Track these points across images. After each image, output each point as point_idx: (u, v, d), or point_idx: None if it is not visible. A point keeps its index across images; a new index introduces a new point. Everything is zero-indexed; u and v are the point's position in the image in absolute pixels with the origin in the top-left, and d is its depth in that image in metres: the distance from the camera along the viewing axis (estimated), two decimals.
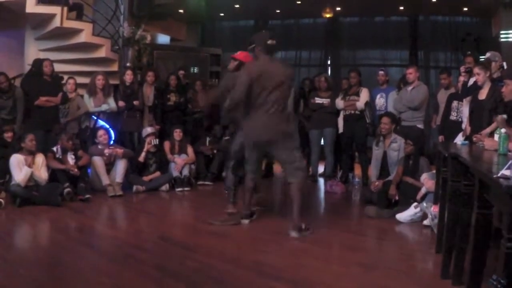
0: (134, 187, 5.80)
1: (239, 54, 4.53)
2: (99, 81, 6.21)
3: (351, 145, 6.71)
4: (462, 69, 5.20)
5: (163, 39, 10.26)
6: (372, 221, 4.56)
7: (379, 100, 6.54)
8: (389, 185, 4.78)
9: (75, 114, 6.06)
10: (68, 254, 3.40)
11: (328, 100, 6.61)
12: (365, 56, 10.74)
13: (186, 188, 5.99)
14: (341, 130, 6.70)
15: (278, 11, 10.46)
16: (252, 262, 3.27)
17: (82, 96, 6.24)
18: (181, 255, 3.45)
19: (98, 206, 5.10)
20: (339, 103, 6.58)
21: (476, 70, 4.51)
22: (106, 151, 5.67)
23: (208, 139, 6.81)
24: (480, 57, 7.19)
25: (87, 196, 5.12)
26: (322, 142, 6.86)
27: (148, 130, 6.21)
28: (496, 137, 3.25)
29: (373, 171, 5.41)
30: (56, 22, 6.35)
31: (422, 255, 3.59)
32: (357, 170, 6.81)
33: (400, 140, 5.11)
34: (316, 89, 6.84)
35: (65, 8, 6.39)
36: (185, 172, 6.09)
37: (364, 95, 6.46)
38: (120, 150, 5.76)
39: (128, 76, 6.52)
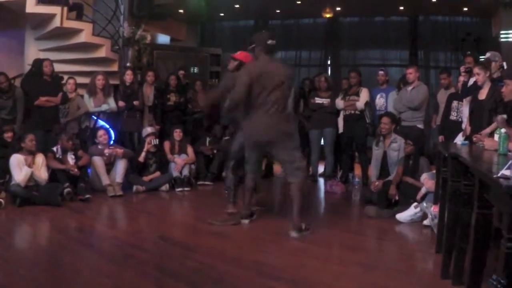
0: (134, 187, 5.80)
1: (239, 54, 4.53)
2: (99, 81, 6.21)
3: (351, 145, 6.71)
4: (462, 69, 5.21)
5: (163, 39, 10.26)
6: (372, 221, 4.56)
7: (379, 100, 6.54)
8: (389, 185, 4.78)
9: (75, 114, 6.06)
10: (68, 254, 3.40)
11: (328, 100, 6.61)
12: (365, 56, 10.73)
13: (186, 188, 5.98)
14: (341, 130, 6.70)
15: (278, 11, 10.46)
16: (252, 262, 3.27)
17: (82, 96, 6.24)
18: (181, 255, 3.45)
19: (98, 206, 5.10)
20: (339, 103, 6.58)
21: (476, 70, 4.51)
22: (106, 151, 5.67)
23: (208, 139, 6.81)
24: (480, 57, 7.18)
25: (87, 196, 5.12)
26: (322, 142, 6.85)
27: (148, 130, 6.21)
28: (496, 137, 3.25)
29: (373, 171, 5.41)
30: (56, 22, 6.34)
31: (422, 255, 3.58)
32: (357, 170, 6.80)
33: (400, 140, 5.11)
34: (316, 89, 6.84)
35: (65, 8, 6.38)
36: (185, 172, 6.09)
37: (364, 95, 6.45)
38: (120, 150, 5.76)
39: (128, 76, 6.52)
